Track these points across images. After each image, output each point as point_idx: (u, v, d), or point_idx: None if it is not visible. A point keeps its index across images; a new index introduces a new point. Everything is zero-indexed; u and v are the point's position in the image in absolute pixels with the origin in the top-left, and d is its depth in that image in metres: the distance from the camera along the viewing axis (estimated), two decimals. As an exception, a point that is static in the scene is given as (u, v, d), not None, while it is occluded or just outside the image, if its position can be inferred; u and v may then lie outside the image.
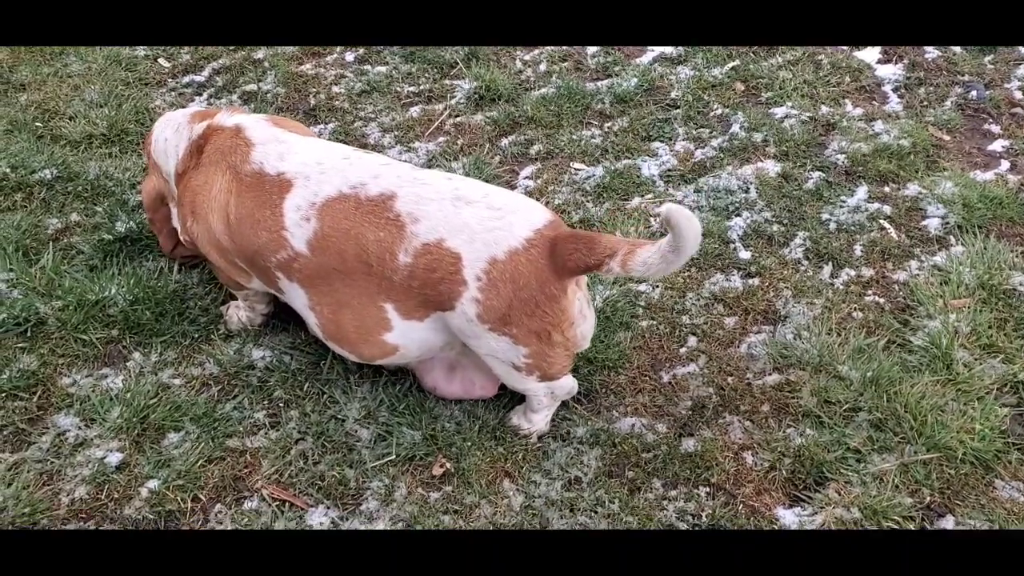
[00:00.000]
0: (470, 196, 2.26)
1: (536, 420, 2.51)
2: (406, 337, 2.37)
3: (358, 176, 2.33)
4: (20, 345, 2.67)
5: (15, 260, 2.88)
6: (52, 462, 2.41)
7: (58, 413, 2.53)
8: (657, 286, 2.95)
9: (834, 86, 3.79)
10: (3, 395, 2.55)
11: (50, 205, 3.16)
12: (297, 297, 2.45)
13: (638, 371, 2.70)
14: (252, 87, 3.69)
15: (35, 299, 2.78)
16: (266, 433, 2.50)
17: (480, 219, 2.22)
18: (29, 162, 3.27)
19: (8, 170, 3.22)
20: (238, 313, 2.77)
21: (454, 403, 2.58)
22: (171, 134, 2.65)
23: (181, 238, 2.67)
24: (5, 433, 2.47)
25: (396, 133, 3.52)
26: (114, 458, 2.41)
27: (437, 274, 2.22)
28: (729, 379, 2.68)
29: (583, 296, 2.35)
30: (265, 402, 2.58)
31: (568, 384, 2.48)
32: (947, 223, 3.14)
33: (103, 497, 2.33)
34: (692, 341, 2.79)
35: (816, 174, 3.37)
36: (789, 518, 2.33)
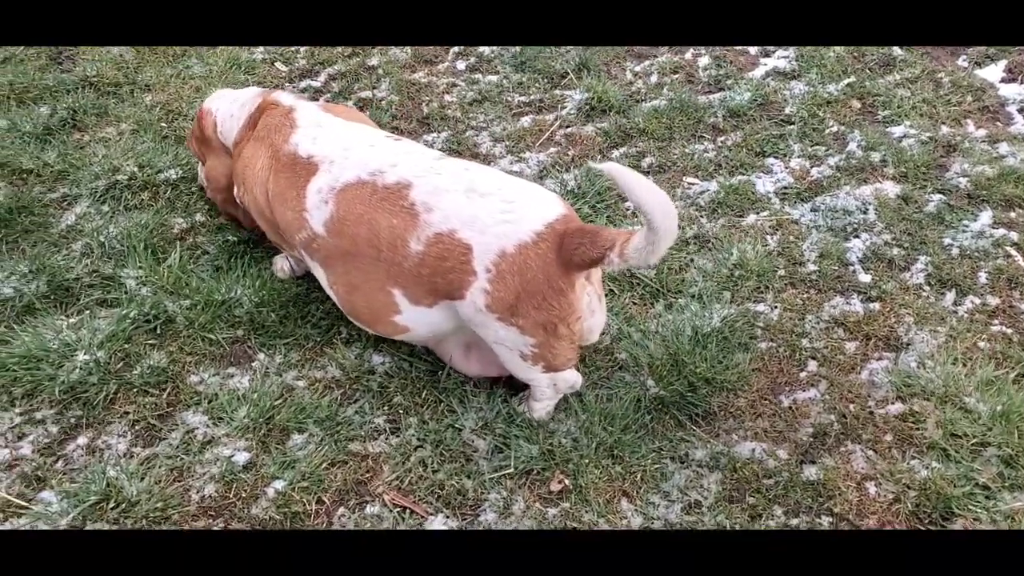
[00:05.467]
0: (485, 188, 2.32)
1: (537, 409, 2.56)
2: (415, 321, 2.46)
3: (378, 163, 2.42)
4: (150, 342, 2.76)
5: (145, 258, 2.97)
6: (182, 458, 2.48)
7: (187, 410, 2.60)
8: (775, 307, 2.91)
9: (955, 105, 3.68)
10: (135, 390, 2.63)
11: (175, 205, 3.25)
12: (320, 276, 2.59)
13: (758, 394, 2.66)
14: (367, 94, 3.74)
15: (163, 297, 2.86)
16: (386, 439, 2.54)
17: (492, 211, 2.27)
18: (155, 162, 3.37)
19: (136, 169, 3.32)
20: (283, 263, 2.94)
21: (569, 419, 2.58)
22: (237, 110, 2.81)
23: (237, 200, 2.81)
24: (137, 428, 2.56)
25: (507, 143, 3.53)
26: (241, 457, 2.47)
27: (448, 263, 2.29)
28: (851, 406, 2.63)
29: (593, 291, 2.38)
30: (385, 408, 2.62)
31: (572, 378, 2.52)
32: (1079, 253, 3.04)
33: (231, 496, 2.39)
34: (812, 365, 2.75)
35: (937, 197, 3.28)
36: (916, 554, 2.27)
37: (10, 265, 2.96)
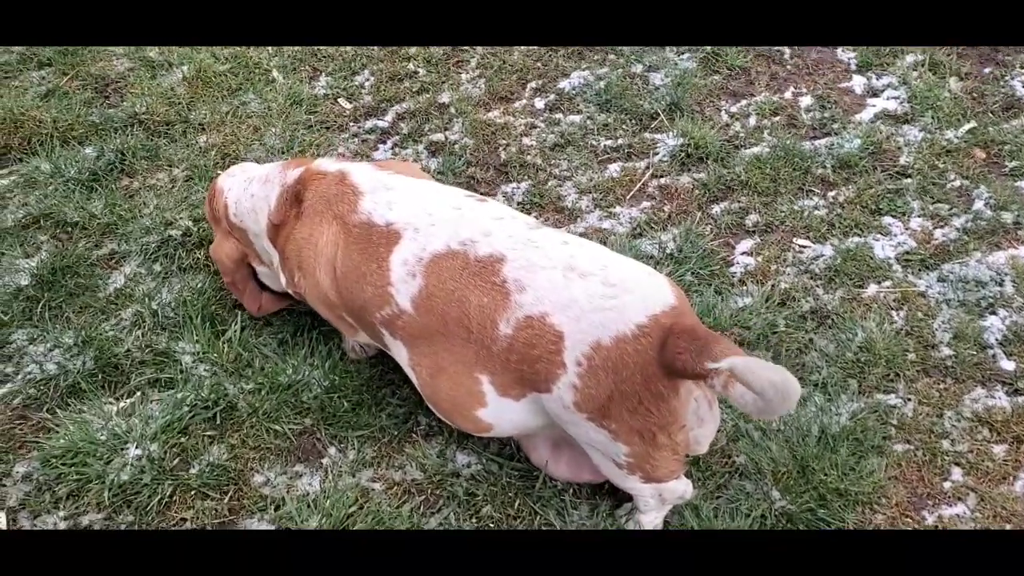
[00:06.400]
0: (585, 267, 2.01)
1: (644, 522, 2.24)
2: (500, 417, 2.14)
3: (469, 232, 2.11)
4: (209, 433, 2.47)
5: (202, 331, 2.68)
6: (246, 578, 2.18)
7: (251, 517, 2.31)
8: (909, 400, 2.56)
9: (1092, 156, 3.30)
10: (192, 493, 2.35)
11: (233, 264, 2.95)
12: (400, 354, 2.26)
13: (897, 509, 2.33)
14: (439, 136, 3.42)
15: (223, 378, 2.57)
16: (475, 557, 2.23)
17: (591, 296, 1.96)
18: (210, 214, 3.07)
19: (190, 223, 3.03)
20: (354, 343, 2.62)
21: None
22: (258, 188, 2.47)
23: (289, 291, 2.47)
24: (196, 538, 2.27)
25: (594, 195, 3.20)
26: (313, 579, 2.17)
27: (536, 351, 1.98)
28: (1007, 527, 2.28)
29: (703, 397, 2.02)
30: (473, 519, 2.31)
31: (680, 488, 2.18)
32: None
33: (303, 627, 2.10)
34: (956, 473, 2.40)
35: (1082, 266, 2.91)
36: None
37: (54, 336, 2.69)
